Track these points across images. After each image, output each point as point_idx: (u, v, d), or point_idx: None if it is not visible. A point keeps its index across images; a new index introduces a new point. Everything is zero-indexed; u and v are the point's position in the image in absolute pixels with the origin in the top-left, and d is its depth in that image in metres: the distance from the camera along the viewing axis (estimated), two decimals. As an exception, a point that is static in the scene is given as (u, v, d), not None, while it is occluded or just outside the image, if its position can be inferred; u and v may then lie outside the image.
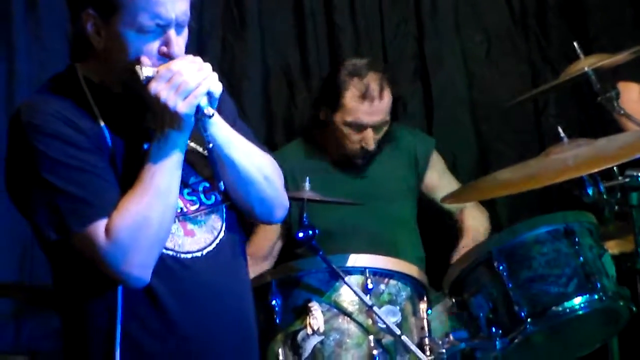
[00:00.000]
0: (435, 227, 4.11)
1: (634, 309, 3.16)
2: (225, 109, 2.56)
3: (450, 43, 4.39)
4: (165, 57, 2.37)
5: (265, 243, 3.87)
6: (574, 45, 3.54)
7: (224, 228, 2.52)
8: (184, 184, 2.46)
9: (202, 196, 2.51)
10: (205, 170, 2.51)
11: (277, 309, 3.19)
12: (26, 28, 3.88)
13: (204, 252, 2.46)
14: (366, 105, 3.76)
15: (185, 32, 2.43)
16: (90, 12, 2.37)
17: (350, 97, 3.77)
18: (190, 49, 2.44)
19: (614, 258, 3.26)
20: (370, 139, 3.79)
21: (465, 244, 3.85)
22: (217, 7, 4.17)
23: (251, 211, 2.57)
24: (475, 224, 3.98)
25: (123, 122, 2.43)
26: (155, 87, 2.31)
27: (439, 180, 4.03)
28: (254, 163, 2.51)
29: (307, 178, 3.33)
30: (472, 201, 3.97)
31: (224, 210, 2.54)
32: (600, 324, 3.32)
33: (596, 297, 3.10)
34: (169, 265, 2.41)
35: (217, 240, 2.49)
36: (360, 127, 3.79)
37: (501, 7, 4.43)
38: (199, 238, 2.47)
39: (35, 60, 3.86)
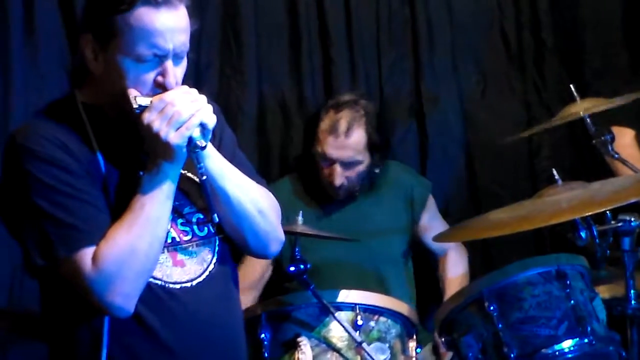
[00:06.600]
0: (426, 268, 4.10)
1: (624, 354, 3.15)
2: (225, 140, 2.56)
3: (446, 82, 4.40)
4: (160, 87, 2.36)
5: (254, 274, 3.85)
6: (570, 88, 3.55)
7: (214, 260, 2.51)
8: (178, 213, 2.46)
9: (195, 227, 2.50)
10: (200, 201, 2.51)
11: (265, 342, 3.18)
12: (23, 54, 3.88)
13: (194, 282, 2.46)
14: (331, 139, 3.79)
15: (184, 63, 2.42)
16: (89, 37, 2.38)
17: (322, 128, 3.84)
18: (187, 80, 2.44)
19: (605, 302, 3.24)
20: (335, 174, 3.80)
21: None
22: (215, 39, 4.18)
23: (245, 245, 2.57)
24: (455, 273, 3.99)
25: (119, 149, 2.43)
26: (148, 117, 2.30)
27: (430, 223, 4.01)
28: (249, 196, 2.51)
29: (300, 212, 3.33)
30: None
31: (217, 242, 2.53)
32: (590, 368, 3.31)
33: (586, 340, 3.09)
34: (157, 295, 2.40)
35: (207, 272, 2.49)
36: (327, 160, 3.81)
37: (498, 48, 4.45)
38: (189, 269, 2.46)
39: (31, 87, 3.85)
